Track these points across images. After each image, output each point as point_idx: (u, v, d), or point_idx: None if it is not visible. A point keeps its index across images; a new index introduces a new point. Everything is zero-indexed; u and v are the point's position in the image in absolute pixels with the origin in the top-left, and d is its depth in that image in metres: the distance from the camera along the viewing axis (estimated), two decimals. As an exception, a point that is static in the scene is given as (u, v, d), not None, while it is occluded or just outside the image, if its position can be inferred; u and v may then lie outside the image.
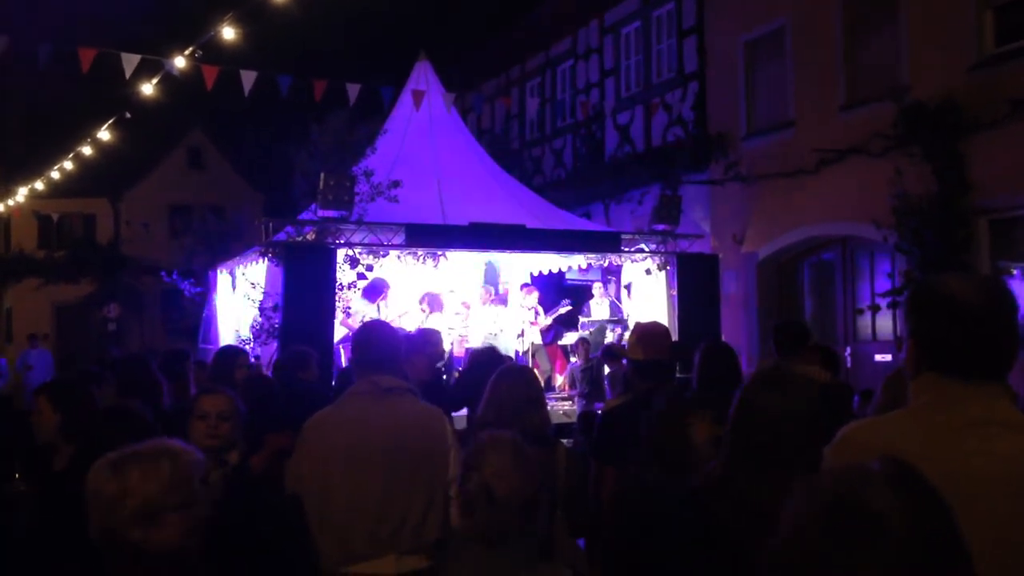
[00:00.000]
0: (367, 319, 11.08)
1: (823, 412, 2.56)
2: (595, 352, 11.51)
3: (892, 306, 11.18)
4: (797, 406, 2.51)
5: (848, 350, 12.19)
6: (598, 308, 12.74)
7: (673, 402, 3.12)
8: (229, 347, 7.62)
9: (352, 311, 10.91)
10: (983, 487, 1.75)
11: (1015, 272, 10.17)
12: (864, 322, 12.16)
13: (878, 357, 11.79)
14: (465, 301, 12.83)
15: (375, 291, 11.35)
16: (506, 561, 2.32)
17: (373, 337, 3.76)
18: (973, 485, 1.74)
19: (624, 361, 4.85)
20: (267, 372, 7.86)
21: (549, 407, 10.40)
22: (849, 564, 1.14)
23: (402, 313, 11.73)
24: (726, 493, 2.55)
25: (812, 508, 1.20)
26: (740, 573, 2.16)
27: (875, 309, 11.75)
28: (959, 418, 1.83)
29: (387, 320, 11.07)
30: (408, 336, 5.80)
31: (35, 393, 4.07)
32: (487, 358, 5.15)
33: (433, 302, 12.06)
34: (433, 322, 11.83)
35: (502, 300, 13.36)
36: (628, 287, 13.32)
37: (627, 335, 11.55)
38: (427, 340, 5.59)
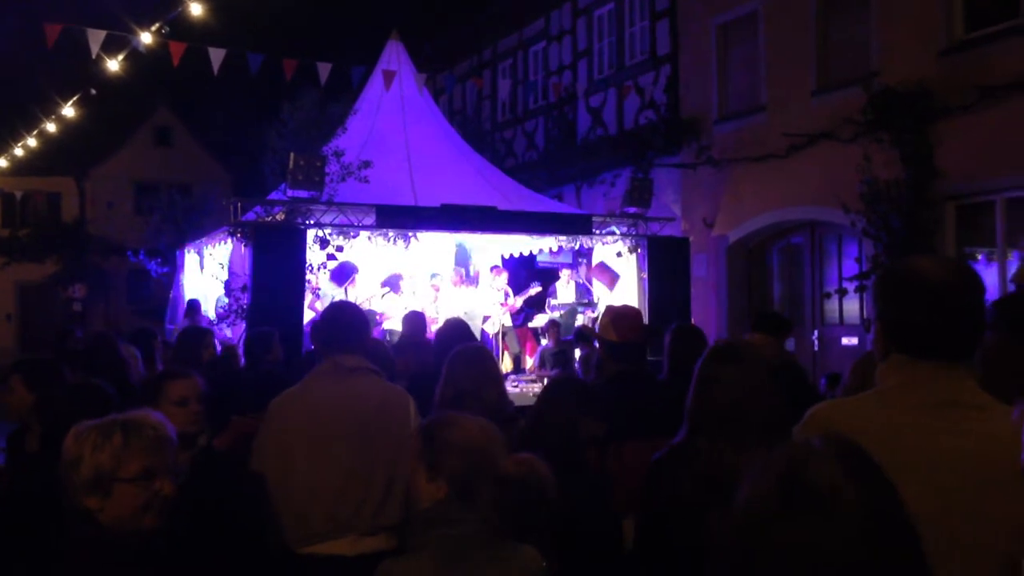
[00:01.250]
0: (325, 296, 11.04)
1: (777, 385, 2.67)
2: (567, 335, 11.54)
3: (859, 290, 11.29)
4: (752, 377, 2.59)
5: (815, 333, 12.32)
6: (565, 291, 12.76)
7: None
8: (195, 328, 7.54)
9: (321, 293, 10.85)
10: (953, 466, 1.77)
11: (980, 258, 10.30)
12: (831, 306, 12.27)
13: (845, 340, 11.92)
14: (435, 284, 12.79)
15: (343, 274, 11.28)
16: (471, 537, 2.32)
17: (338, 318, 3.77)
18: (942, 464, 1.77)
19: (596, 343, 4.87)
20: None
21: (519, 389, 10.46)
22: (802, 536, 1.16)
23: (369, 296, 11.67)
24: (688, 462, 2.62)
25: (765, 484, 1.22)
26: (698, 537, 2.20)
27: (842, 293, 11.86)
28: (928, 399, 1.85)
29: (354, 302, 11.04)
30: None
31: (8, 371, 4.01)
32: (455, 331, 5.10)
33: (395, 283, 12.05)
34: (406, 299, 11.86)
35: (472, 282, 13.34)
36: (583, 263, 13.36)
37: (597, 315, 11.63)
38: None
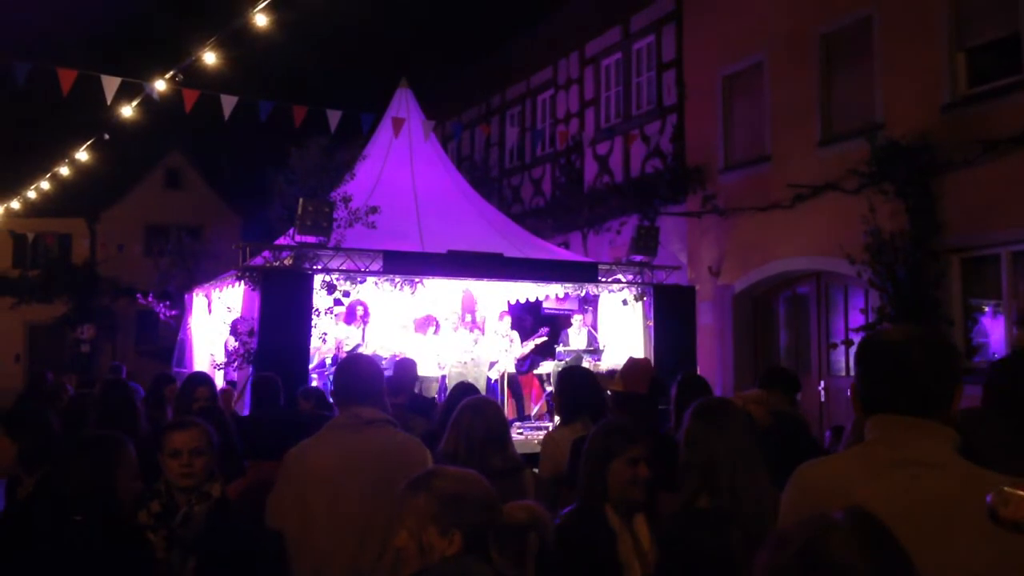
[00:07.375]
0: (345, 342, 11.07)
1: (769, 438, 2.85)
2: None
3: (865, 341, 11.25)
4: (734, 437, 2.79)
5: (821, 384, 12.27)
6: (576, 338, 12.76)
7: (599, 441, 3.26)
8: (199, 374, 7.55)
9: (335, 335, 10.95)
10: (906, 521, 1.82)
11: (986, 310, 10.29)
12: (838, 356, 12.24)
13: (850, 392, 11.86)
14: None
15: (351, 314, 11.35)
16: None
17: (355, 369, 3.79)
18: (898, 520, 1.82)
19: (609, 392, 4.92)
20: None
21: (524, 435, 10.41)
22: None
23: (386, 339, 11.68)
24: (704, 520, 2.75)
25: (782, 560, 1.25)
26: None
27: (848, 344, 11.84)
28: (890, 455, 1.96)
29: (367, 344, 11.09)
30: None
31: None
32: (461, 392, 5.19)
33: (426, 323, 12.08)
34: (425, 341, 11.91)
35: (478, 328, 13.36)
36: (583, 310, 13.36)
37: (601, 364, 11.62)
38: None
